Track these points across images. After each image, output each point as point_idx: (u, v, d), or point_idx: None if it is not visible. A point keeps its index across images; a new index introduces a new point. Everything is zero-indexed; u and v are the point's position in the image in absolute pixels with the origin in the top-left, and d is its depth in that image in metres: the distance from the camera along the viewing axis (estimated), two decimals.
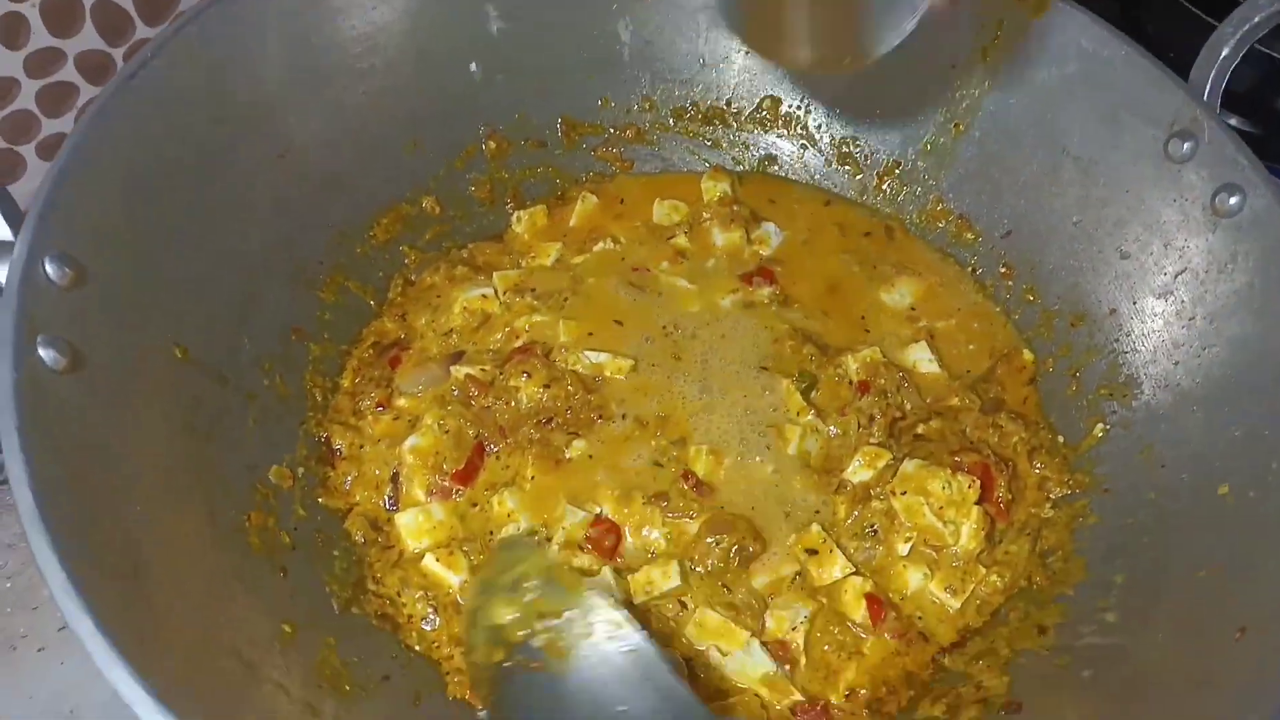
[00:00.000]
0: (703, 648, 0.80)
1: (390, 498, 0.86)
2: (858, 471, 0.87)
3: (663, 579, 0.81)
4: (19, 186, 1.01)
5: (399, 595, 0.81)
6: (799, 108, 1.09)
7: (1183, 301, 0.86)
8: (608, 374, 0.92)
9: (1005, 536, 0.86)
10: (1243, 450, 0.77)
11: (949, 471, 0.83)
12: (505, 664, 0.72)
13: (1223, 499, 0.76)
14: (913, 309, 1.00)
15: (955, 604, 0.83)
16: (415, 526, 0.84)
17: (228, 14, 0.83)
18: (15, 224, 0.70)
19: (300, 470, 0.84)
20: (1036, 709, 0.74)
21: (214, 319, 0.81)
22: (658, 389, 0.92)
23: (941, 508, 0.83)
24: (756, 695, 0.79)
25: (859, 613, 0.81)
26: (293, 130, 0.90)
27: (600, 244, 1.02)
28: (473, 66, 1.01)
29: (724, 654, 0.80)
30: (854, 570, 0.82)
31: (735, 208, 1.04)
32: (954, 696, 0.78)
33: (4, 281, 0.67)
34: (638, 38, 1.05)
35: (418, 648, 0.79)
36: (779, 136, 1.10)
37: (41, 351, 0.64)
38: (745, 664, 0.79)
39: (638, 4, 1.03)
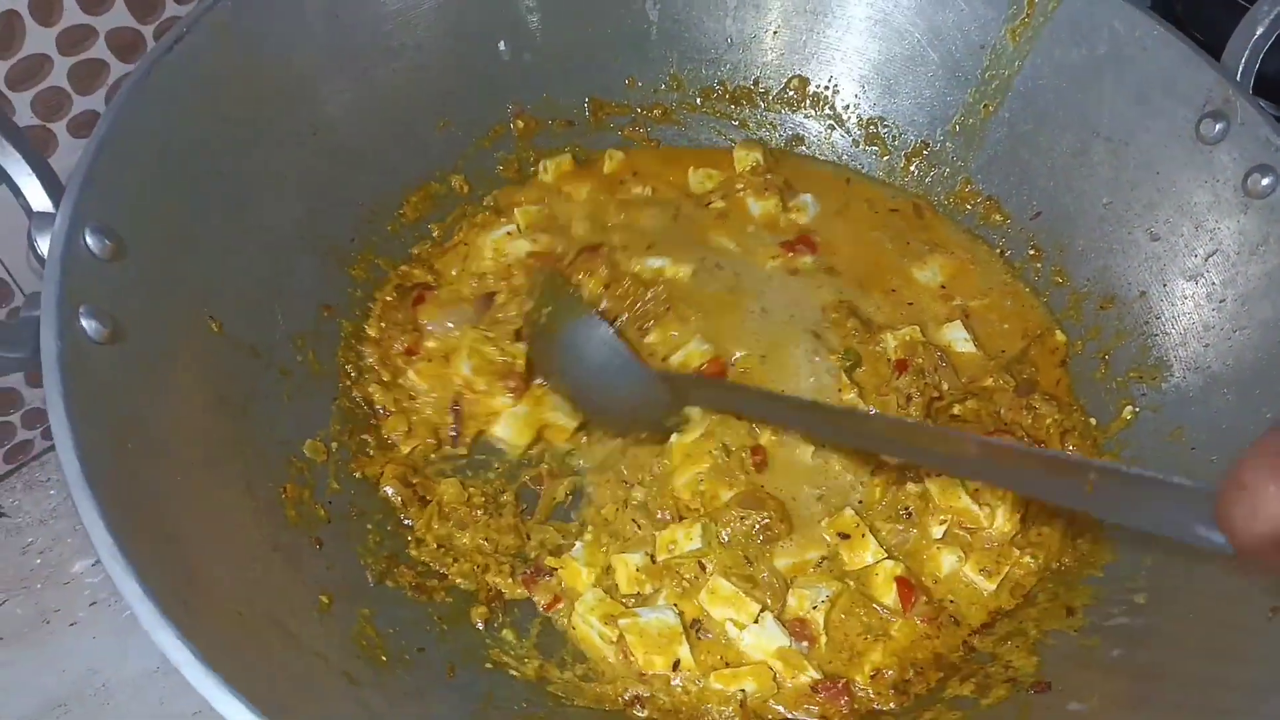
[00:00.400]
0: (718, 617, 0.81)
1: (454, 431, 0.89)
2: None
3: (685, 540, 0.82)
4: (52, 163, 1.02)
5: (443, 553, 0.83)
6: (827, 88, 1.08)
7: (1213, 284, 0.86)
8: (668, 275, 0.95)
9: (1038, 518, 0.86)
10: None
11: None
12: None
13: None
14: (944, 287, 1.00)
15: (990, 586, 0.83)
16: (513, 428, 0.89)
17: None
18: (56, 196, 0.70)
19: (334, 445, 0.84)
20: (1065, 688, 0.75)
21: (247, 294, 0.82)
22: (720, 305, 0.95)
23: (977, 489, 0.83)
24: (770, 668, 0.79)
25: (889, 596, 0.82)
26: (324, 107, 0.90)
27: (638, 188, 1.03)
28: (501, 45, 1.01)
29: (739, 627, 0.80)
30: (886, 555, 0.82)
31: (769, 176, 1.04)
32: (982, 676, 0.78)
33: (46, 253, 0.68)
34: (666, 17, 1.05)
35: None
36: (806, 117, 1.10)
37: (84, 322, 0.64)
38: (760, 637, 0.80)
39: None
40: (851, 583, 0.82)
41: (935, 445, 0.72)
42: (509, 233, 0.98)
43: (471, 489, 0.86)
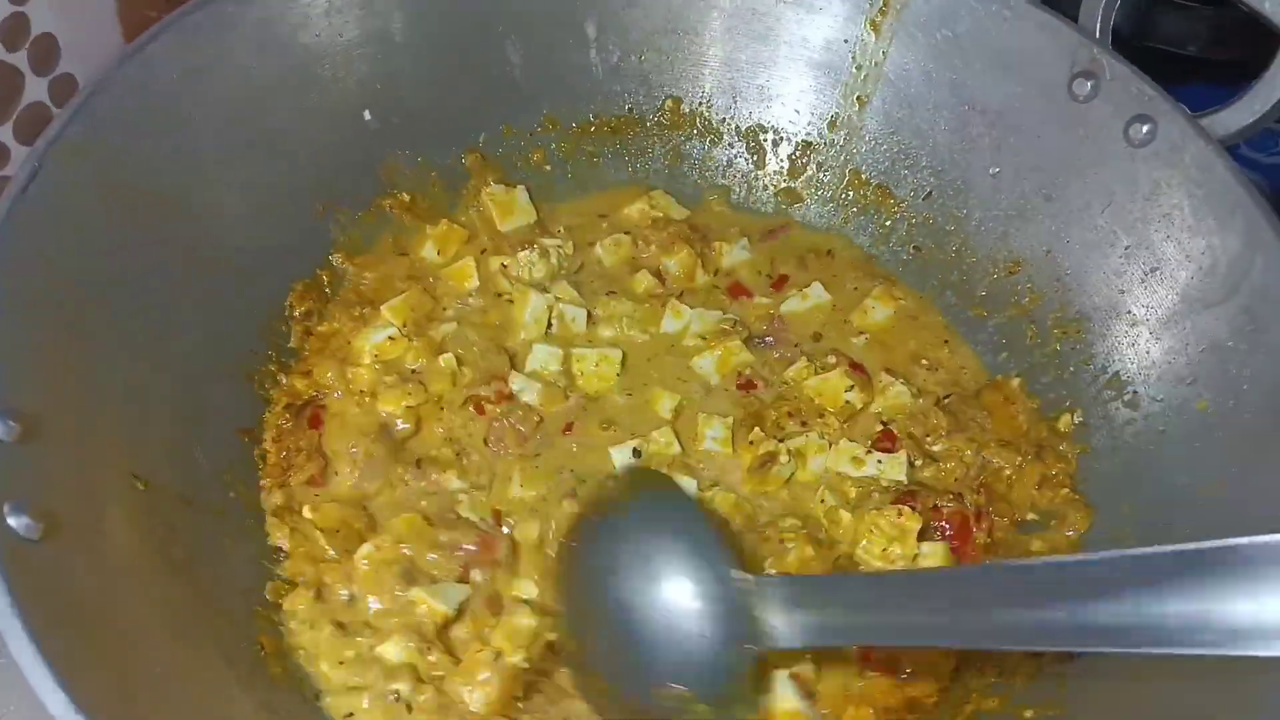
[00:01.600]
0: None
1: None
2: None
3: None
4: None
5: None
6: (701, 104, 1.07)
7: (1114, 232, 0.90)
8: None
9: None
10: (1210, 363, 0.81)
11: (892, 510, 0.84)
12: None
13: (1203, 413, 0.80)
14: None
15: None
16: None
17: (104, 111, 0.75)
18: None
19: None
20: None
21: (166, 439, 0.75)
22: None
23: (885, 548, 0.83)
24: None
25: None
26: (200, 216, 0.83)
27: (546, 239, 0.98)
28: (366, 115, 0.95)
29: None
30: None
31: (670, 229, 1.02)
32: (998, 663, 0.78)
33: None
34: (528, 57, 1.01)
35: None
36: (686, 137, 1.08)
37: (11, 521, 0.57)
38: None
39: (524, 22, 0.99)
40: None
41: None
42: (390, 337, 0.90)
43: None
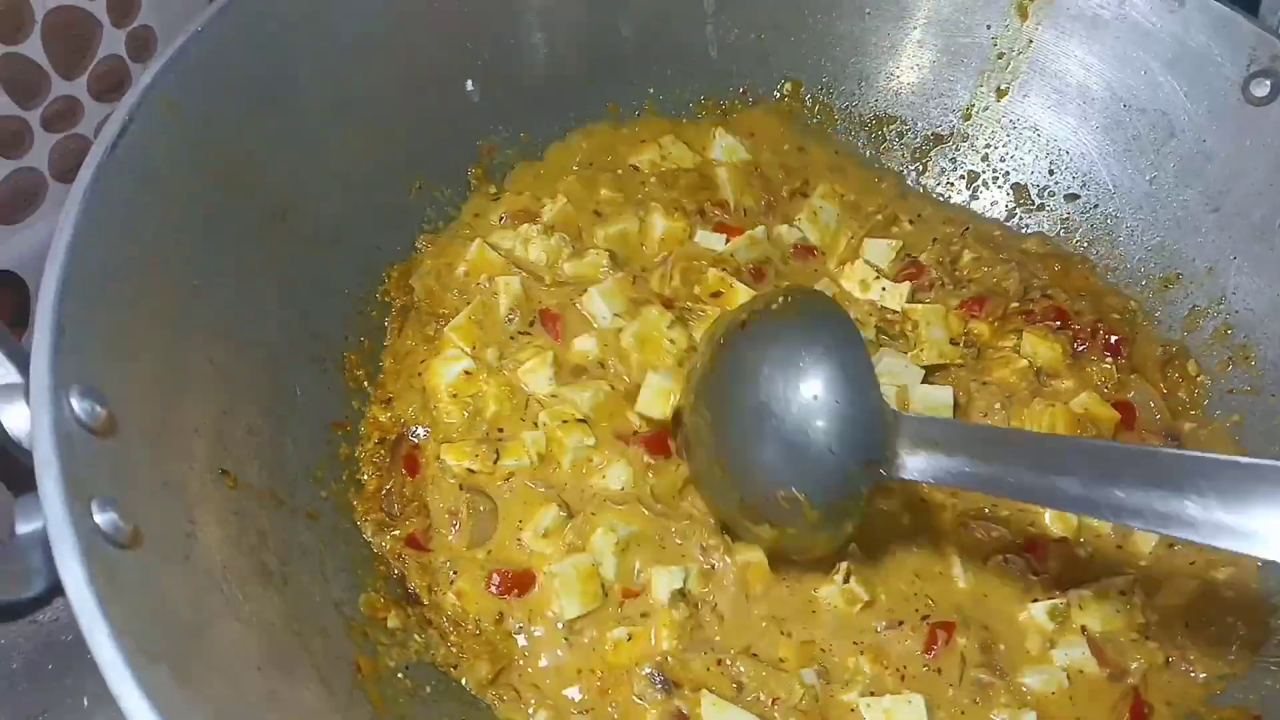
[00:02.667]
0: None
1: None
2: None
3: None
4: None
5: None
6: (823, 89, 0.99)
7: None
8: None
9: None
10: None
11: None
12: None
13: None
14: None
15: None
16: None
17: (197, 64, 0.68)
18: (18, 361, 0.54)
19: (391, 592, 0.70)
20: None
21: (251, 429, 0.67)
22: None
23: None
24: None
25: None
26: (287, 186, 0.75)
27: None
28: (469, 85, 0.88)
29: None
30: None
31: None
32: None
33: (23, 433, 0.52)
34: (643, 30, 0.93)
35: None
36: (808, 123, 1.00)
37: (99, 519, 0.49)
38: None
39: None
40: None
41: None
42: (466, 370, 0.80)
43: None
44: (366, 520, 0.73)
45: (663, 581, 0.73)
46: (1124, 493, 0.58)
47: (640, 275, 0.87)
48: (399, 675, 0.65)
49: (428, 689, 0.66)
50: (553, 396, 0.80)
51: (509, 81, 0.89)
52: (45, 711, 0.86)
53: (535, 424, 0.79)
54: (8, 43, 0.79)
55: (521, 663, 0.71)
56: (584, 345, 0.83)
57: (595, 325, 0.84)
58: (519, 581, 0.74)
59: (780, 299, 0.72)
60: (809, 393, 0.67)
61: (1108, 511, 0.60)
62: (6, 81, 0.81)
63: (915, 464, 0.66)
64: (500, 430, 0.79)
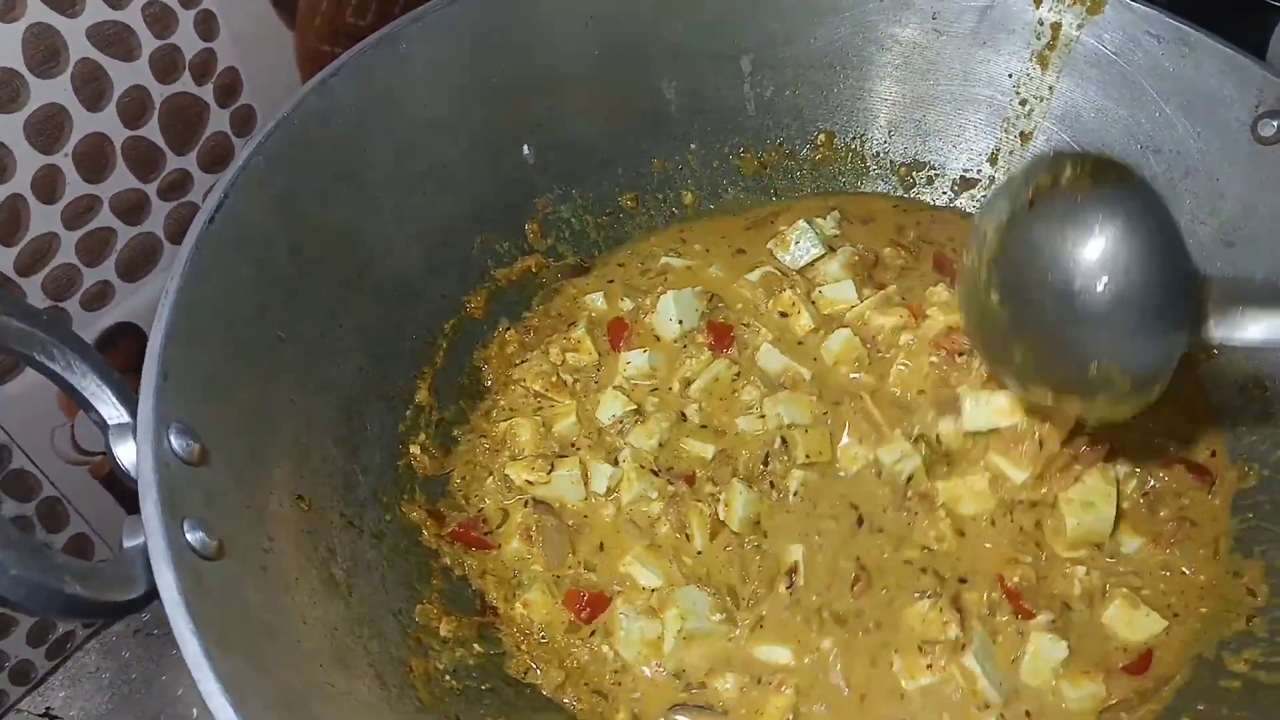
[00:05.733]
0: None
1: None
2: None
3: None
4: None
5: None
6: (855, 139, 1.06)
7: None
8: None
9: None
10: None
11: None
12: None
13: None
14: None
15: None
16: None
17: (284, 145, 0.79)
18: (128, 404, 0.65)
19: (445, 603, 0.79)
20: None
21: (328, 460, 0.77)
22: None
23: None
24: None
25: None
26: (362, 247, 0.86)
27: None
28: (525, 149, 0.97)
29: None
30: None
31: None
32: None
33: (130, 464, 0.63)
34: (683, 93, 1.02)
35: None
36: (839, 172, 1.07)
37: (189, 537, 0.59)
38: None
39: (681, 59, 1.00)
40: None
41: None
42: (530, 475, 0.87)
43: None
44: (430, 534, 0.83)
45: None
46: None
47: None
48: (446, 676, 0.74)
49: (472, 688, 0.75)
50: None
51: (561, 144, 0.98)
52: (159, 716, 0.98)
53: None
54: (130, 127, 0.92)
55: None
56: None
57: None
58: (593, 603, 0.82)
59: (1067, 168, 0.68)
60: (1117, 266, 0.64)
61: None
62: (130, 159, 0.94)
63: (1231, 324, 0.64)
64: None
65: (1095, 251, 0.64)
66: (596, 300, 0.99)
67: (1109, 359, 0.66)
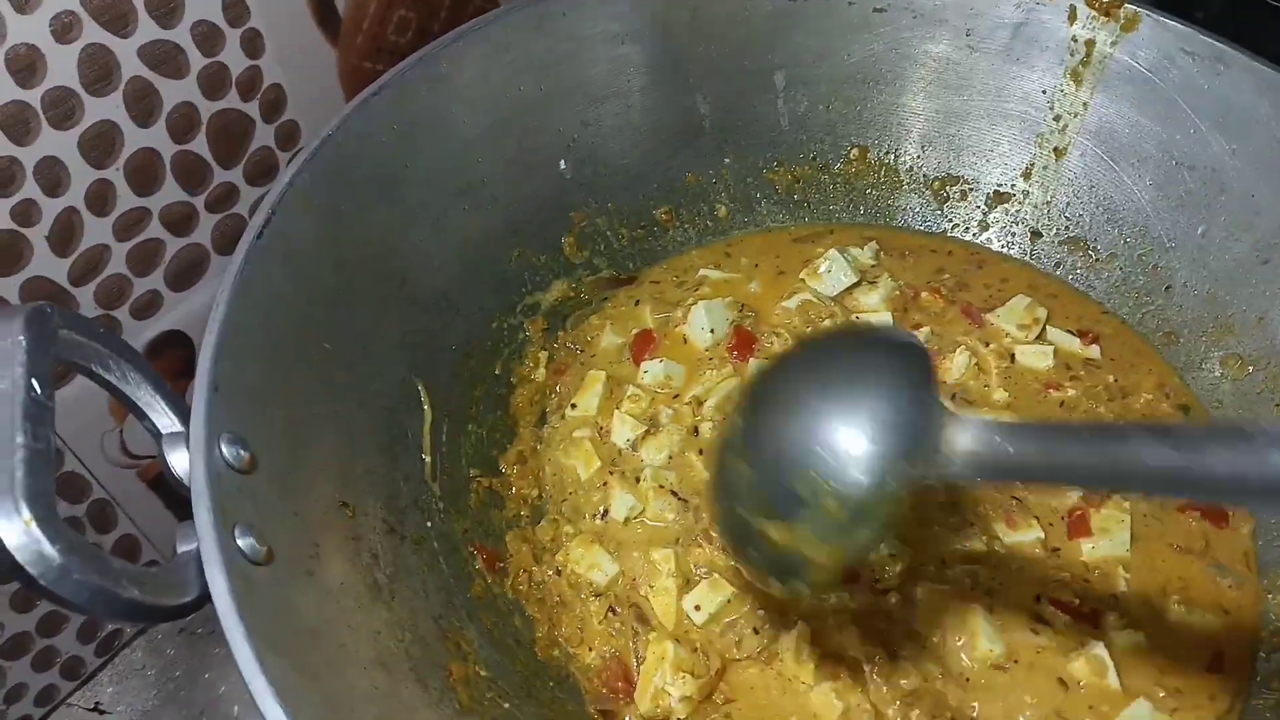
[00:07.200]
0: None
1: None
2: None
3: None
4: None
5: None
6: (889, 153, 1.07)
7: None
8: None
9: None
10: None
11: None
12: None
13: None
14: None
15: None
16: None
17: (328, 162, 0.81)
18: (180, 413, 0.67)
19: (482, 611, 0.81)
20: None
21: (371, 468, 0.79)
22: None
23: None
24: None
25: None
26: (404, 261, 0.88)
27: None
28: (562, 164, 0.99)
29: None
30: None
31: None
32: None
33: (183, 472, 0.65)
34: (717, 109, 1.03)
35: None
36: (870, 186, 1.08)
37: (240, 542, 0.61)
38: None
39: (716, 74, 1.01)
40: None
41: None
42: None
43: None
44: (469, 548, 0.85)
45: None
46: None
47: None
48: (484, 677, 0.75)
49: (509, 693, 0.76)
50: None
51: (597, 159, 1.00)
52: (203, 713, 1.01)
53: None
54: (179, 142, 0.94)
55: None
56: None
57: None
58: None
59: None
60: (857, 384, 0.63)
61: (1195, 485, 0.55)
62: (179, 173, 0.97)
63: (963, 463, 0.60)
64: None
65: (827, 371, 0.65)
66: (613, 340, 1.01)
67: (822, 472, 0.61)
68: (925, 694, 0.77)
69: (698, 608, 0.82)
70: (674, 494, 0.89)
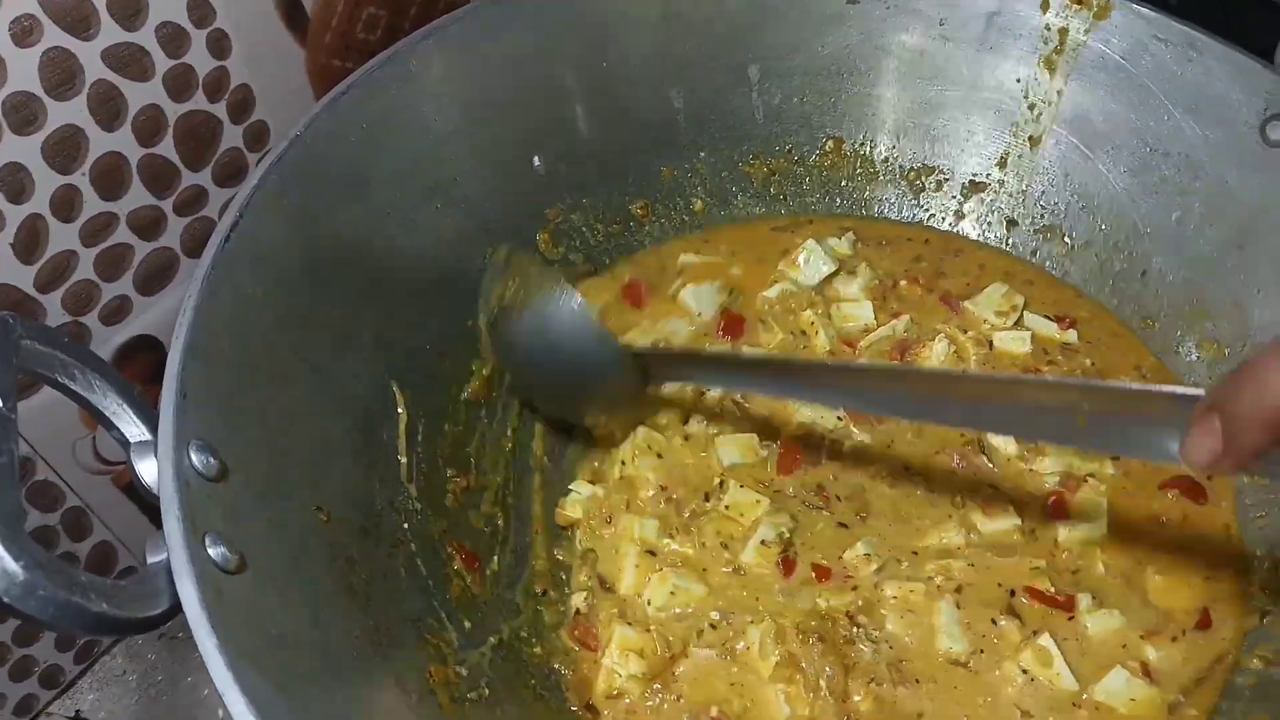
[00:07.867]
0: None
1: None
2: None
3: None
4: None
5: None
6: (863, 144, 1.07)
7: None
8: None
9: None
10: None
11: None
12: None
13: None
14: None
15: None
16: None
17: (297, 163, 0.80)
18: (148, 422, 0.66)
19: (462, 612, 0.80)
20: None
21: (346, 472, 0.78)
22: None
23: None
24: None
25: None
26: (377, 261, 0.87)
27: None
28: (536, 161, 0.98)
29: None
30: None
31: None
32: None
33: (152, 481, 0.64)
34: (691, 102, 1.02)
35: None
36: (846, 179, 1.08)
37: (211, 551, 0.60)
38: None
39: (690, 69, 1.01)
40: None
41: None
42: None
43: None
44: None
45: None
46: None
47: None
48: (465, 678, 0.75)
49: (490, 693, 0.76)
50: None
51: (570, 155, 0.99)
52: (186, 716, 1.00)
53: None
54: (146, 145, 0.93)
55: None
56: None
57: None
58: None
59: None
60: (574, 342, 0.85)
61: None
62: (146, 177, 0.96)
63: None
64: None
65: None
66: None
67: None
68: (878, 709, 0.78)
69: (648, 601, 0.83)
70: (649, 478, 0.89)
